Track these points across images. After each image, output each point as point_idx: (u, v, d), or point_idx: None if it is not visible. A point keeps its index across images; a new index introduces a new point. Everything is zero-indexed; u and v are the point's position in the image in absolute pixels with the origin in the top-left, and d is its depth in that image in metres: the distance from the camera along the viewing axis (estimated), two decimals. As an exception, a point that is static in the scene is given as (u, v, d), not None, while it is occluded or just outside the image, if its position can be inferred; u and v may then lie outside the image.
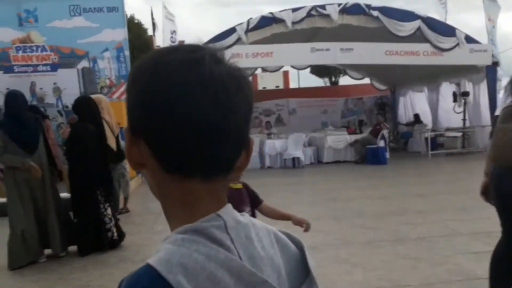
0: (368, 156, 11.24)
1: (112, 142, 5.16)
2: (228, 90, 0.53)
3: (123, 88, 9.22)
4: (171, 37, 13.28)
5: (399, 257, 3.95)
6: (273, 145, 11.71)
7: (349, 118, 17.82)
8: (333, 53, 10.45)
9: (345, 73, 18.29)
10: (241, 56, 10.15)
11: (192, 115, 0.51)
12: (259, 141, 11.87)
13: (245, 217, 0.59)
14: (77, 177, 4.36)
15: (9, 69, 10.01)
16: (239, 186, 2.23)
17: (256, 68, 16.22)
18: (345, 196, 7.06)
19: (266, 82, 32.95)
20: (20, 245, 4.09)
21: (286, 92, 20.11)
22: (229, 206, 0.57)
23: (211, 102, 0.52)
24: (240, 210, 1.98)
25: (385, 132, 11.50)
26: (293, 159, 11.42)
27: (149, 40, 11.89)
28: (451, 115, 13.65)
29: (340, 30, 10.93)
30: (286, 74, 32.55)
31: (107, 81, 9.61)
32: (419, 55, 11.07)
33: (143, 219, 5.91)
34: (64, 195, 4.72)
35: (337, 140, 12.01)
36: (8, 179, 4.09)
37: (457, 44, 11.16)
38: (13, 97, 4.19)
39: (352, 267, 3.74)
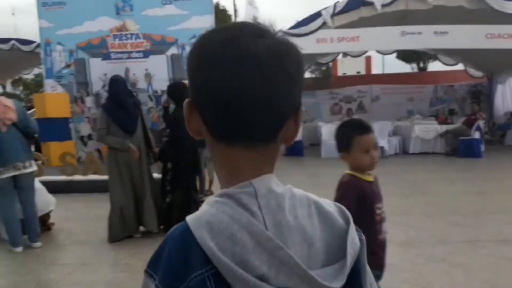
0: (460, 148, 10.43)
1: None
2: (261, 64, 0.56)
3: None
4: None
5: (505, 259, 3.60)
6: (355, 133, 11.33)
7: (438, 106, 16.68)
8: (425, 36, 9.75)
9: (436, 59, 17.03)
10: (326, 41, 9.88)
11: (225, 89, 0.56)
12: (339, 129, 11.58)
13: (283, 188, 0.61)
14: (180, 158, 4.48)
15: (106, 56, 10.80)
16: (370, 178, 1.88)
17: (338, 54, 15.81)
18: (436, 190, 6.61)
19: (347, 67, 32.03)
20: (119, 221, 4.38)
21: (368, 78, 19.31)
22: (267, 176, 0.60)
23: (244, 79, 0.56)
24: (373, 206, 1.81)
25: (480, 122, 10.55)
26: (376, 148, 10.97)
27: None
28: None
29: (433, 13, 10.14)
30: (368, 59, 31.35)
31: (195, 67, 9.95)
32: (527, 37, 9.92)
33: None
34: (155, 175, 4.96)
35: (426, 129, 11.28)
36: (110, 159, 4.38)
37: None
38: (115, 82, 4.45)
39: (450, 267, 3.48)
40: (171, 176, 4.56)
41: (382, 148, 10.81)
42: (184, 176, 4.53)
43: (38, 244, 4.22)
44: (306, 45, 9.53)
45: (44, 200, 4.62)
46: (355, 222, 0.64)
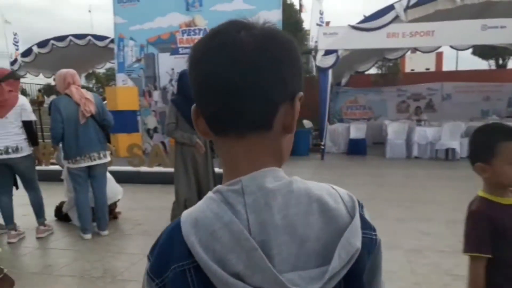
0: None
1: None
2: (244, 49, 0.57)
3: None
4: (320, 17, 13.05)
5: None
6: (424, 133, 10.70)
7: (518, 107, 15.35)
8: (510, 31, 8.94)
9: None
10: (397, 36, 9.40)
11: (212, 77, 0.58)
12: (407, 128, 11.02)
13: (279, 183, 0.58)
14: None
15: (175, 51, 11.10)
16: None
17: (408, 49, 15.03)
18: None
19: (415, 64, 30.48)
20: (182, 212, 4.44)
21: (439, 75, 18.18)
22: (262, 172, 0.59)
23: (229, 64, 0.57)
24: None
25: None
26: (447, 150, 10.30)
27: (298, 21, 11.86)
28: None
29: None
30: (439, 55, 29.60)
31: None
32: None
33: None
34: (217, 170, 4.97)
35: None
36: (177, 153, 4.44)
37: None
38: (184, 76, 4.50)
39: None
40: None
41: (453, 150, 10.15)
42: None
43: (106, 232, 4.41)
44: (375, 40, 9.19)
45: (112, 189, 4.82)
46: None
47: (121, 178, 5.49)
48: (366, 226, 0.60)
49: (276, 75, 0.58)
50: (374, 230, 0.62)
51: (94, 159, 4.12)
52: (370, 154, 11.31)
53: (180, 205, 4.44)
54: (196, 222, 0.57)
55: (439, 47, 14.37)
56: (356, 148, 11.49)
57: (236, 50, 0.57)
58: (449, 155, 10.28)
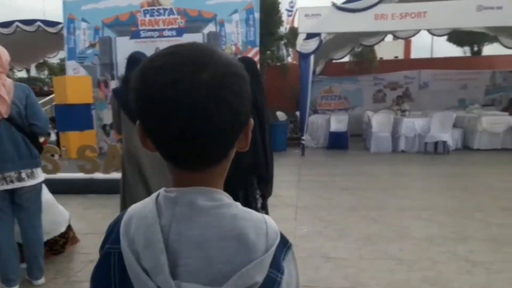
0: (539, 145, 8.93)
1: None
2: (203, 103, 0.57)
3: (250, 55, 8.24)
4: (290, 2, 12.23)
5: None
6: (411, 125, 9.92)
7: (495, 95, 14.99)
8: (506, 12, 8.20)
9: (494, 41, 15.25)
10: (386, 18, 8.48)
11: (169, 129, 0.59)
12: (392, 120, 10.20)
13: (212, 204, 0.62)
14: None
15: (135, 34, 9.67)
16: None
17: (386, 34, 14.25)
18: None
19: (384, 52, 30.05)
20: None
21: (415, 63, 17.59)
22: (197, 189, 0.63)
23: (185, 116, 0.57)
24: None
25: None
26: (436, 143, 9.57)
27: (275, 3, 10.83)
28: None
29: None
30: (408, 43, 29.47)
31: (233, 48, 8.71)
32: None
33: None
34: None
35: (495, 122, 9.78)
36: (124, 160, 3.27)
37: None
38: (132, 61, 3.38)
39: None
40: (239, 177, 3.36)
41: (445, 143, 9.42)
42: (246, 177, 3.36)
43: (41, 281, 3.13)
44: (362, 22, 8.10)
45: (53, 218, 3.56)
46: None
47: (70, 188, 4.32)
48: (275, 265, 0.62)
49: (233, 120, 0.60)
50: (282, 272, 0.63)
51: (12, 181, 2.83)
52: (352, 149, 10.48)
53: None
54: (132, 215, 0.64)
55: (417, 32, 13.66)
56: (337, 142, 10.62)
57: (195, 106, 0.57)
58: (438, 148, 9.56)
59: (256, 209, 3.46)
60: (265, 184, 3.42)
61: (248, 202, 3.40)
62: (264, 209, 3.58)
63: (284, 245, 0.65)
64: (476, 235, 4.16)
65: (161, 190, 0.64)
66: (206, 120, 0.57)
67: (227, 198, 0.64)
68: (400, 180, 6.91)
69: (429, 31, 13.46)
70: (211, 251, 0.59)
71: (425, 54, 29.33)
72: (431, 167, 8.06)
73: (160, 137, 0.61)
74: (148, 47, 8.68)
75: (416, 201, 5.46)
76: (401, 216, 4.83)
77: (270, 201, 3.48)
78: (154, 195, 0.65)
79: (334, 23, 8.80)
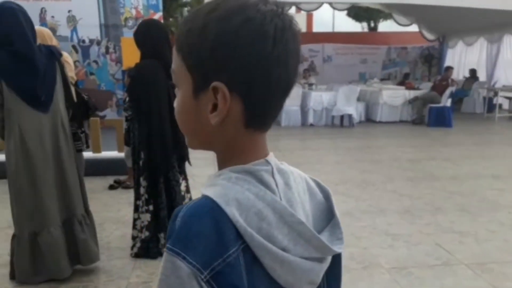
0: (431, 117, 9.68)
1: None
2: (299, 52, 0.58)
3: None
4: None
5: None
6: (319, 98, 10.08)
7: (391, 70, 16.04)
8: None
9: (388, 18, 16.19)
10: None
11: (279, 75, 0.56)
12: (300, 93, 10.25)
13: (285, 165, 0.63)
14: (151, 148, 2.93)
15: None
16: None
17: (291, 6, 14.22)
18: (445, 174, 5.58)
19: (287, 25, 30.53)
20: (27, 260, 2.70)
21: (318, 36, 18.00)
22: (272, 155, 0.62)
23: (292, 64, 0.57)
24: None
25: (453, 89, 9.83)
26: (342, 116, 9.86)
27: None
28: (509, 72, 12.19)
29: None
30: (310, 16, 30.17)
31: (133, 11, 7.83)
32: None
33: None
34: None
35: (394, 95, 10.37)
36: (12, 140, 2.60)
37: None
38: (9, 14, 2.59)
39: None
40: (146, 175, 2.98)
41: (350, 116, 9.74)
42: (166, 173, 3.00)
43: None
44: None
45: None
46: None
47: None
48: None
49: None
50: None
51: None
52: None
53: (23, 242, 2.61)
54: (239, 204, 0.55)
55: (321, 5, 13.82)
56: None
57: (283, 52, 0.55)
58: (344, 121, 9.86)
59: (180, 193, 3.06)
60: (184, 163, 3.16)
61: (171, 187, 3.02)
62: (189, 192, 3.23)
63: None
64: (391, 207, 4.23)
65: (247, 167, 0.58)
66: (291, 67, 0.57)
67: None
68: (313, 154, 6.92)
69: (331, 4, 13.75)
70: (305, 206, 0.63)
71: (326, 29, 30.38)
72: (340, 140, 8.26)
73: (267, 96, 0.57)
74: (32, 6, 7.27)
75: (331, 175, 5.46)
76: (319, 192, 4.76)
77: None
78: (236, 175, 0.58)
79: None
